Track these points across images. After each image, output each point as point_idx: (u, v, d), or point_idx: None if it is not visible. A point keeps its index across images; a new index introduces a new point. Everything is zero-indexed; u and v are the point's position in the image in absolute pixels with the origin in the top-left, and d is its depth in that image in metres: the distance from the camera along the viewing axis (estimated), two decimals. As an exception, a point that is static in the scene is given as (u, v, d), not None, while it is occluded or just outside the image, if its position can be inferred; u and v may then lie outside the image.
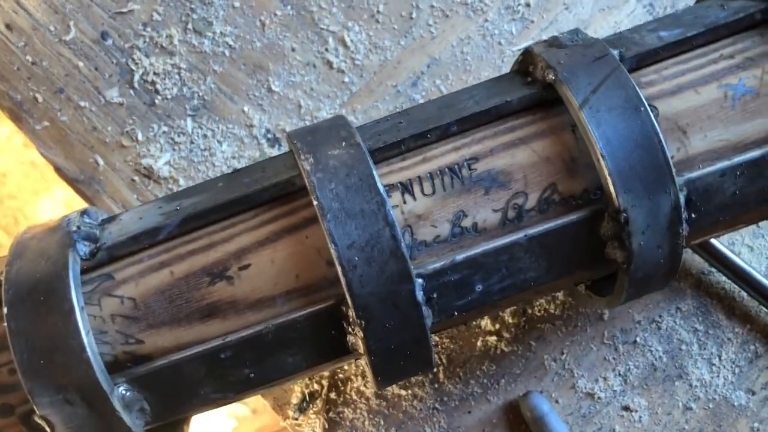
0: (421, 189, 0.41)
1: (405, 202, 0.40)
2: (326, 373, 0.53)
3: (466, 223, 0.40)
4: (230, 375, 0.39)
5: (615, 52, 0.42)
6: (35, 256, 0.38)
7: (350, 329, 0.38)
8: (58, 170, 0.55)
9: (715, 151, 0.41)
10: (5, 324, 0.36)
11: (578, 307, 0.54)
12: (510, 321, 0.53)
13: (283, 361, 0.39)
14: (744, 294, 0.55)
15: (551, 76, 0.41)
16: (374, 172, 0.38)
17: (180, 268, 0.39)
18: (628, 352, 0.53)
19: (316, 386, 0.53)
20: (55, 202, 1.02)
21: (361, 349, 0.39)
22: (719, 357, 0.53)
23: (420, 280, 0.38)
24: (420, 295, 0.38)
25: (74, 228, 0.40)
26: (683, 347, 0.53)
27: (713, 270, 0.55)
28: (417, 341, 0.39)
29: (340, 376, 0.53)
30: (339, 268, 0.37)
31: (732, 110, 0.42)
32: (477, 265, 0.39)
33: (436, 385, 0.53)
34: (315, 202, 0.37)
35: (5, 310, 0.36)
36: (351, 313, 0.38)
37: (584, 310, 0.54)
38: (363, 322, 0.37)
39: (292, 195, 0.41)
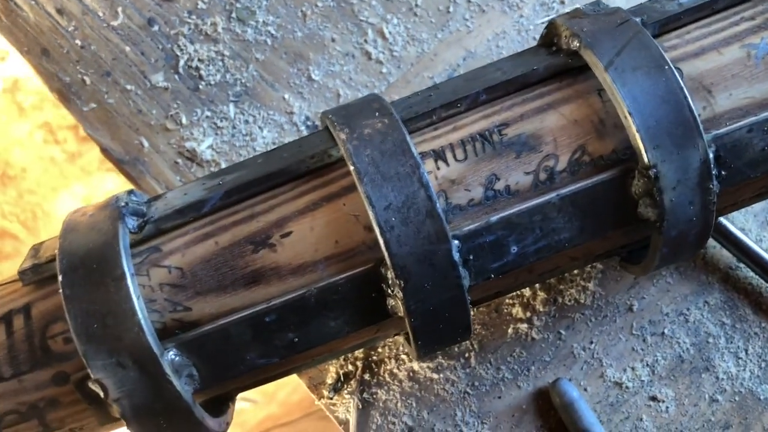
0: (454, 155, 0.42)
1: (438, 168, 0.42)
2: (360, 355, 0.54)
3: (499, 186, 0.42)
4: (275, 339, 0.41)
5: (637, 19, 0.44)
6: (87, 230, 0.41)
7: (390, 291, 0.40)
8: (104, 151, 0.58)
9: (741, 109, 0.43)
10: (60, 291, 0.38)
11: (608, 297, 0.55)
12: (541, 309, 0.55)
13: (325, 324, 0.41)
14: None
15: (576, 44, 0.43)
16: (407, 138, 0.40)
17: (224, 238, 0.41)
18: (656, 343, 0.54)
19: (350, 367, 0.54)
20: (74, 197, 1.04)
21: (401, 311, 0.40)
22: (746, 351, 0.54)
23: (456, 242, 0.40)
24: (456, 255, 0.39)
25: (123, 204, 0.42)
26: (710, 340, 0.54)
27: (741, 265, 0.56)
28: (455, 302, 0.40)
29: (374, 358, 0.54)
30: (377, 229, 0.38)
31: (756, 68, 0.43)
32: (511, 226, 0.41)
33: (468, 370, 0.54)
34: (351, 167, 0.39)
35: (60, 278, 0.38)
36: (390, 274, 0.39)
37: (614, 301, 0.55)
38: (402, 282, 0.39)
39: (328, 166, 0.43)
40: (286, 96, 0.59)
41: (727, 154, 0.42)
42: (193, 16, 0.59)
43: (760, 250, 0.54)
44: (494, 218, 0.41)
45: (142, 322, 0.38)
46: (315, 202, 0.42)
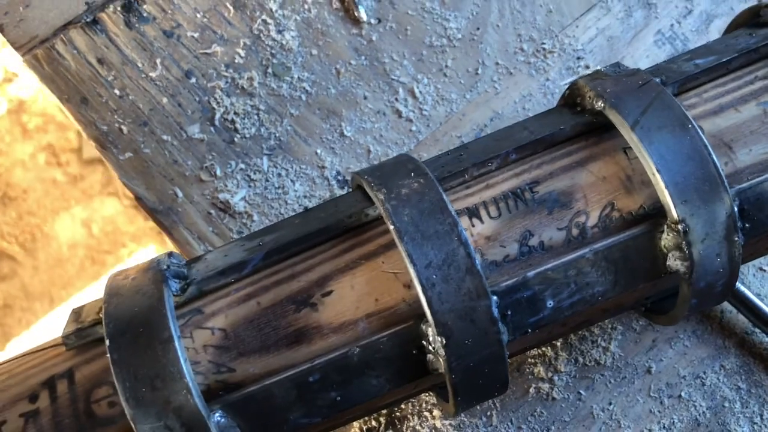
0: (488, 212, 0.44)
1: (473, 226, 0.44)
2: (384, 411, 0.55)
3: (533, 242, 0.44)
4: (318, 398, 0.42)
5: (657, 80, 0.46)
6: (131, 293, 0.42)
7: (431, 347, 0.41)
8: (139, 200, 0.60)
9: (762, 163, 0.46)
10: (108, 356, 0.39)
11: (627, 358, 0.58)
12: (562, 369, 0.57)
13: (367, 382, 0.43)
14: None
15: (600, 104, 0.46)
16: (444, 196, 0.43)
17: (266, 298, 0.43)
18: (672, 405, 0.57)
19: (373, 423, 0.55)
20: (74, 220, 1.05)
21: (442, 368, 0.42)
22: (761, 416, 0.57)
23: (494, 297, 0.42)
24: (496, 311, 0.41)
25: (165, 267, 0.43)
26: (726, 404, 0.57)
27: (756, 330, 0.59)
28: (495, 358, 0.42)
29: (397, 414, 0.56)
30: (418, 287, 0.40)
31: (774, 124, 0.45)
32: (547, 281, 0.43)
33: (489, 429, 0.56)
34: (391, 227, 0.41)
35: (107, 342, 0.40)
36: (431, 331, 0.41)
37: (633, 363, 0.58)
38: (443, 339, 0.41)
39: (365, 225, 0.46)
40: (319, 151, 0.62)
41: (750, 207, 0.45)
42: (230, 70, 0.62)
43: (776, 316, 0.59)
44: (531, 274, 0.43)
45: (191, 384, 0.39)
46: (354, 261, 0.44)
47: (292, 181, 0.61)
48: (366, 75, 0.63)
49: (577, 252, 0.44)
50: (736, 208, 0.44)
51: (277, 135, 0.62)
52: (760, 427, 0.56)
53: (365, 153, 0.62)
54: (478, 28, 0.65)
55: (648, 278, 0.47)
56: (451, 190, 0.46)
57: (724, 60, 0.49)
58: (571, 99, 0.49)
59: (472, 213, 0.46)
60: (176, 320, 0.42)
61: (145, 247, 1.05)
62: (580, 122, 0.47)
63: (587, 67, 0.65)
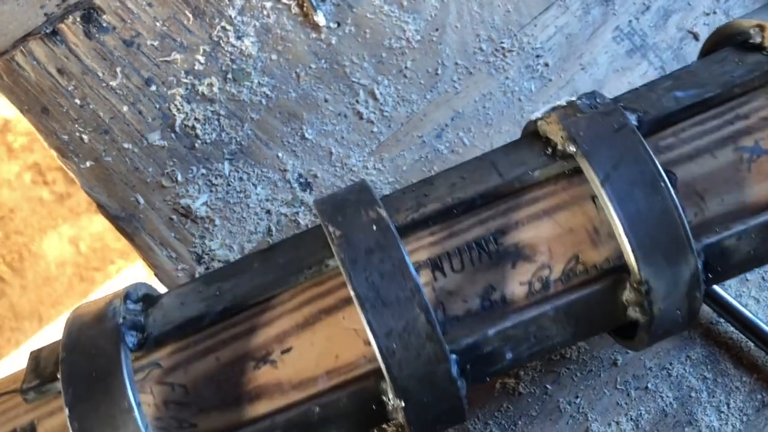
0: (451, 265, 0.42)
1: (436, 279, 0.42)
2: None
3: (495, 296, 0.42)
4: (279, 451, 0.41)
5: (633, 118, 0.43)
6: (88, 350, 0.40)
7: (390, 405, 0.41)
8: (101, 207, 0.56)
9: (731, 214, 0.43)
10: (68, 424, 0.38)
11: (593, 352, 0.56)
12: (528, 364, 0.55)
13: (327, 434, 0.42)
14: (751, 344, 0.57)
15: (572, 148, 0.42)
16: (406, 258, 0.40)
17: (225, 354, 0.41)
18: (639, 397, 0.55)
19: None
20: (62, 238, 1.03)
21: (402, 421, 0.41)
22: (728, 405, 0.55)
23: (454, 356, 0.40)
24: (455, 370, 0.40)
25: (120, 320, 0.41)
26: (693, 394, 0.56)
27: (721, 320, 0.57)
28: (453, 409, 0.41)
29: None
30: (378, 355, 0.38)
31: (748, 173, 0.43)
32: (507, 338, 0.41)
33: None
34: (352, 292, 0.39)
35: (67, 411, 0.38)
36: (390, 393, 0.40)
37: (598, 356, 0.56)
38: (403, 402, 0.40)
39: (326, 274, 0.43)
40: (280, 154, 0.57)
41: (715, 261, 0.43)
42: (190, 77, 0.57)
43: (739, 306, 0.55)
44: (491, 332, 0.41)
45: None
46: (314, 315, 0.42)
47: (254, 185, 0.56)
48: (326, 78, 0.58)
49: (538, 309, 0.41)
50: (700, 265, 0.42)
51: (238, 140, 0.57)
52: (727, 415, 0.55)
53: (327, 155, 0.57)
54: (437, 30, 0.60)
55: (606, 327, 0.45)
56: (413, 235, 0.42)
57: (705, 97, 0.46)
58: (543, 131, 0.47)
59: (435, 266, 0.43)
60: (135, 384, 0.39)
61: (134, 263, 1.03)
62: (550, 168, 0.42)
63: (546, 65, 0.61)
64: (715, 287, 0.56)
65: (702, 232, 0.43)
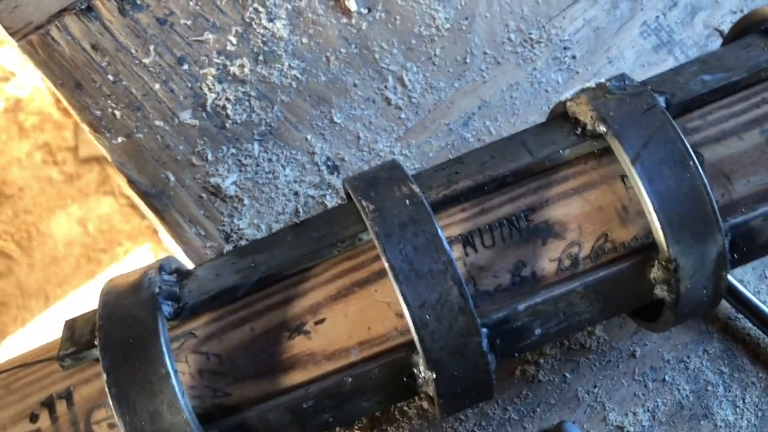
0: (482, 241, 0.43)
1: (467, 255, 0.42)
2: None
3: (526, 272, 0.42)
4: (312, 420, 0.41)
5: (661, 100, 0.44)
6: (125, 318, 0.40)
7: (421, 377, 0.41)
8: (131, 183, 0.57)
9: (757, 195, 0.43)
10: (106, 390, 0.38)
11: (612, 342, 0.56)
12: (547, 352, 0.55)
13: (359, 405, 0.42)
14: None
15: (602, 128, 0.42)
16: (440, 232, 0.40)
17: (260, 324, 0.42)
18: (657, 389, 0.56)
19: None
20: (70, 218, 1.03)
21: (432, 393, 0.41)
22: (743, 400, 0.56)
23: (485, 330, 0.40)
24: (486, 344, 0.40)
25: (156, 289, 0.41)
26: (709, 388, 0.56)
27: (740, 316, 0.57)
28: (482, 383, 0.42)
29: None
30: (412, 326, 0.39)
31: (774, 155, 0.43)
32: (537, 313, 0.42)
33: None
34: (386, 264, 0.39)
35: (105, 376, 0.38)
36: (422, 364, 0.40)
37: (617, 347, 0.56)
38: (434, 373, 0.40)
39: (359, 248, 0.43)
40: (309, 137, 0.58)
41: (741, 241, 0.43)
42: (222, 57, 0.57)
43: (758, 302, 0.55)
44: (521, 306, 0.41)
45: (189, 418, 0.38)
46: (347, 288, 0.42)
47: (282, 166, 0.57)
48: (356, 63, 0.58)
49: (567, 285, 0.42)
50: (727, 244, 0.42)
51: (268, 121, 0.57)
52: (743, 410, 0.56)
53: (355, 139, 0.58)
54: (466, 18, 0.60)
55: (634, 305, 0.45)
56: (445, 212, 0.43)
57: (732, 80, 0.46)
58: (572, 115, 0.47)
59: (467, 241, 0.44)
60: (171, 351, 0.40)
61: (141, 245, 1.03)
62: (580, 148, 0.43)
63: (574, 57, 0.61)
64: (735, 283, 0.56)
65: (728, 212, 0.43)
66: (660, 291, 0.43)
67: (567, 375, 0.56)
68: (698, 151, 0.43)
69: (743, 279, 0.58)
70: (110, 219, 1.08)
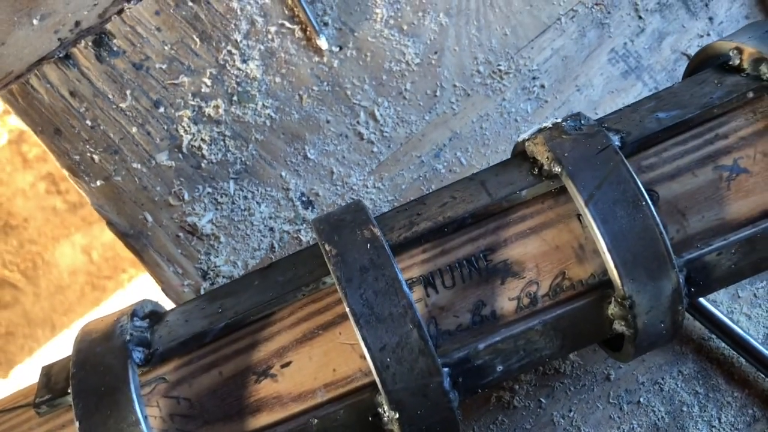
0: (443, 281, 0.43)
1: (428, 296, 0.43)
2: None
3: (486, 311, 0.43)
4: (280, 461, 0.42)
5: (616, 139, 0.44)
6: (97, 366, 0.41)
7: (385, 417, 0.41)
8: (110, 225, 0.58)
9: (712, 230, 0.44)
10: (78, 436, 0.39)
11: (586, 366, 0.56)
12: (522, 378, 0.56)
13: (326, 445, 0.43)
14: (742, 360, 0.57)
15: (557, 169, 0.43)
16: (399, 275, 0.41)
17: (228, 368, 0.42)
18: (632, 411, 0.56)
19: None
20: (74, 247, 1.04)
21: (396, 430, 0.42)
22: (719, 419, 0.56)
23: (446, 369, 0.41)
24: (447, 383, 0.41)
25: (128, 337, 0.42)
26: (684, 408, 0.56)
27: (713, 336, 0.57)
28: (447, 420, 0.42)
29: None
30: (373, 369, 0.39)
31: (727, 191, 0.44)
32: (497, 351, 0.42)
33: None
34: (347, 308, 0.40)
35: (77, 424, 0.39)
36: (385, 405, 0.41)
37: (592, 370, 0.56)
38: (397, 413, 0.40)
39: (323, 291, 0.44)
40: (283, 173, 0.59)
41: (697, 275, 0.43)
42: (197, 99, 0.59)
43: (731, 323, 0.56)
44: (482, 345, 0.42)
45: None
46: (312, 331, 0.43)
47: (257, 203, 0.58)
48: (328, 100, 0.59)
49: (527, 323, 0.42)
50: (682, 280, 0.42)
51: (243, 159, 0.58)
52: (718, 429, 0.56)
53: (328, 174, 0.59)
54: (435, 53, 0.61)
55: (593, 340, 0.46)
56: (406, 253, 0.43)
57: (686, 118, 0.46)
58: (531, 152, 0.48)
59: (428, 282, 0.44)
60: (142, 398, 0.40)
61: (144, 272, 1.04)
62: (537, 188, 0.43)
63: (542, 86, 0.61)
64: (707, 304, 0.57)
65: (684, 247, 0.43)
66: (618, 326, 0.43)
67: (542, 400, 0.56)
68: (653, 189, 0.44)
69: (716, 299, 0.59)
70: (114, 246, 1.09)
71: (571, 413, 0.56)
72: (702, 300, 0.57)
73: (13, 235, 1.01)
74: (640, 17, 0.63)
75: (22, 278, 1.03)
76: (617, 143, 0.44)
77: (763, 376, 0.57)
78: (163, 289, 0.56)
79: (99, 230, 1.04)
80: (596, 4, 0.63)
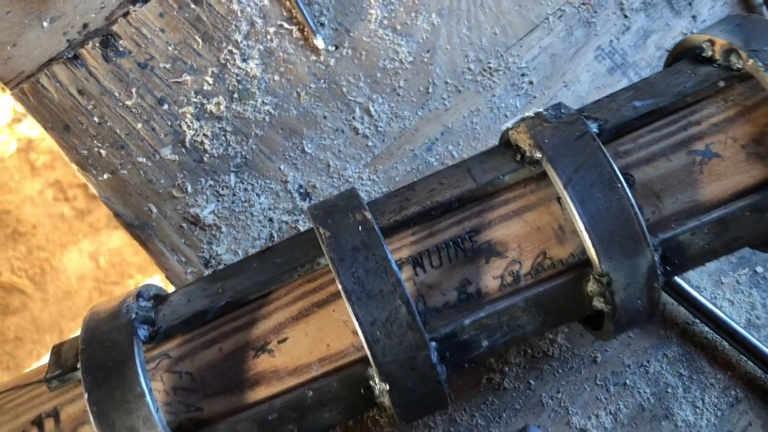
0: (430, 262, 0.46)
1: (417, 275, 0.45)
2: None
3: (471, 289, 0.45)
4: (277, 431, 0.45)
5: (594, 126, 0.46)
6: (105, 343, 0.44)
7: (377, 389, 0.44)
8: (117, 216, 0.61)
9: (686, 212, 0.46)
10: (87, 408, 0.42)
11: (574, 350, 0.58)
12: (512, 360, 0.58)
13: (321, 416, 0.45)
14: (725, 343, 0.59)
15: (538, 155, 0.45)
16: (389, 255, 0.43)
17: (227, 345, 0.45)
18: (618, 393, 0.58)
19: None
20: (82, 253, 1.06)
21: (388, 404, 0.44)
22: (702, 400, 0.58)
23: (434, 344, 0.43)
24: (435, 356, 0.43)
25: (133, 315, 0.45)
26: (669, 390, 0.58)
27: (697, 321, 0.59)
28: (434, 393, 0.44)
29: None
30: (364, 343, 0.42)
31: (700, 174, 0.46)
32: (482, 327, 0.45)
33: (444, 416, 0.58)
34: (339, 286, 0.42)
35: (86, 395, 0.42)
36: (376, 377, 0.43)
37: (579, 353, 0.58)
38: (387, 385, 0.43)
39: (317, 271, 0.46)
40: (282, 167, 0.61)
41: (672, 254, 0.46)
42: (199, 96, 0.61)
43: (714, 308, 0.58)
44: (467, 321, 0.44)
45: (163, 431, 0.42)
46: (307, 308, 0.45)
47: (257, 195, 0.61)
48: (325, 97, 0.62)
49: (510, 300, 0.45)
50: (657, 258, 0.44)
51: (243, 153, 0.61)
52: (702, 410, 0.58)
53: (325, 168, 0.61)
54: (428, 51, 0.63)
55: (574, 317, 0.48)
56: (396, 236, 0.46)
57: (660, 106, 0.49)
58: (514, 140, 0.50)
59: (416, 262, 0.46)
60: (147, 372, 0.43)
61: (151, 277, 1.06)
62: (519, 173, 0.46)
63: (531, 83, 0.64)
64: (692, 290, 0.59)
65: (659, 228, 0.46)
66: (598, 303, 0.45)
67: (531, 382, 0.58)
68: (629, 173, 0.46)
69: (700, 285, 0.61)
70: (120, 252, 1.11)
71: (560, 394, 0.58)
72: (686, 286, 0.59)
73: (21, 242, 1.03)
74: (625, 16, 0.66)
75: (31, 284, 1.05)
76: (595, 130, 0.46)
77: (745, 358, 0.59)
78: (167, 277, 0.59)
79: (106, 237, 1.06)
80: (583, 4, 0.66)
